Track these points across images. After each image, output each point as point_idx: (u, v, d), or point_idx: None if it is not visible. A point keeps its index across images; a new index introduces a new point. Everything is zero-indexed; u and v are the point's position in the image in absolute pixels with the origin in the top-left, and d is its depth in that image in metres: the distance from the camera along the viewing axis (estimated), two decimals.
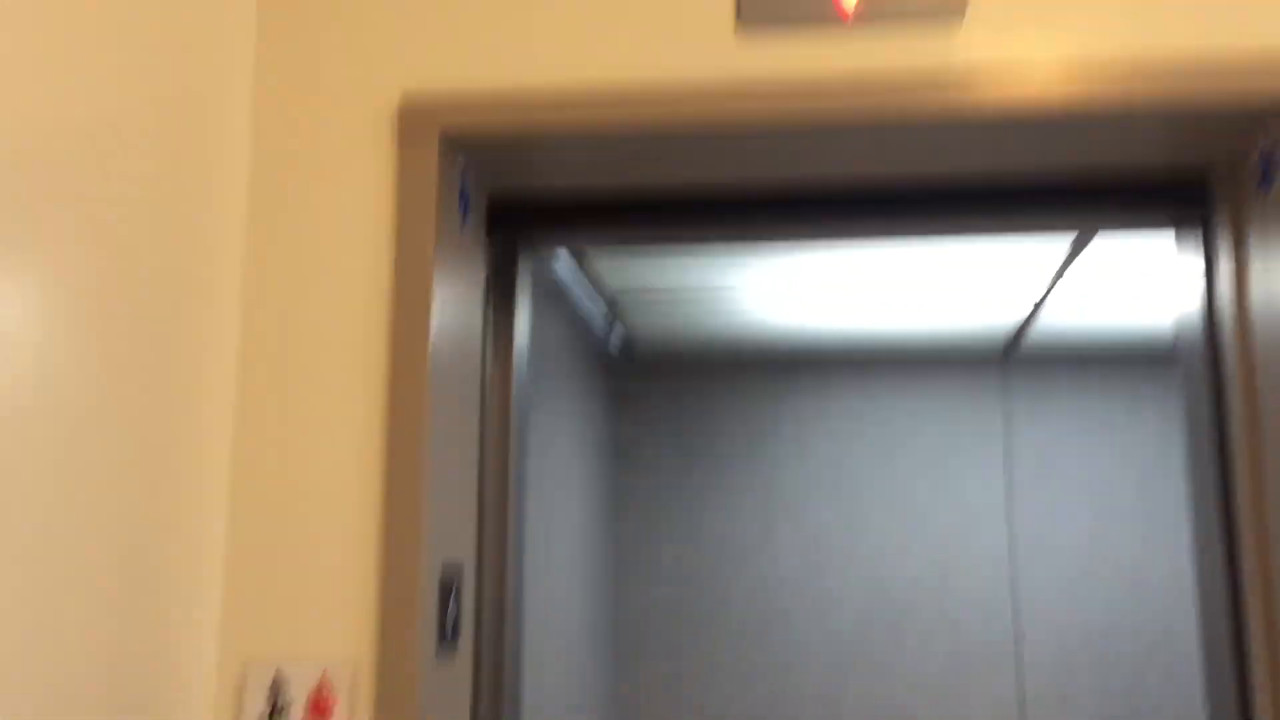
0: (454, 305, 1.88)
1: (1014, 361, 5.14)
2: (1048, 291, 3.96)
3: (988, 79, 1.72)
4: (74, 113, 1.44)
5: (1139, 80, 1.70)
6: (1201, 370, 1.96)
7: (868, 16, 1.76)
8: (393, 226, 1.82)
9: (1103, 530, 5.01)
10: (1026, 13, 1.74)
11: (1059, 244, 3.45)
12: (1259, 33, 1.69)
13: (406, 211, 1.81)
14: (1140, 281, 3.82)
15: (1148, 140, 1.84)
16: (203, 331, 1.73)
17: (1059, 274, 3.71)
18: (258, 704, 1.70)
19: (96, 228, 1.48)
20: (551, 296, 3.80)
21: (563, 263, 3.66)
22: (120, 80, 1.53)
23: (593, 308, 4.22)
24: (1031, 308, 4.22)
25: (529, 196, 2.13)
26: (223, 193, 1.78)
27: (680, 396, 5.27)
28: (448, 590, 1.80)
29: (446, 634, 1.79)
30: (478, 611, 2.07)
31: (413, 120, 1.81)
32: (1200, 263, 1.99)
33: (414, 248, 1.80)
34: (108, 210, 1.50)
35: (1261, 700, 1.75)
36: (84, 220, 1.45)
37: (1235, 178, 1.88)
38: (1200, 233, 2.00)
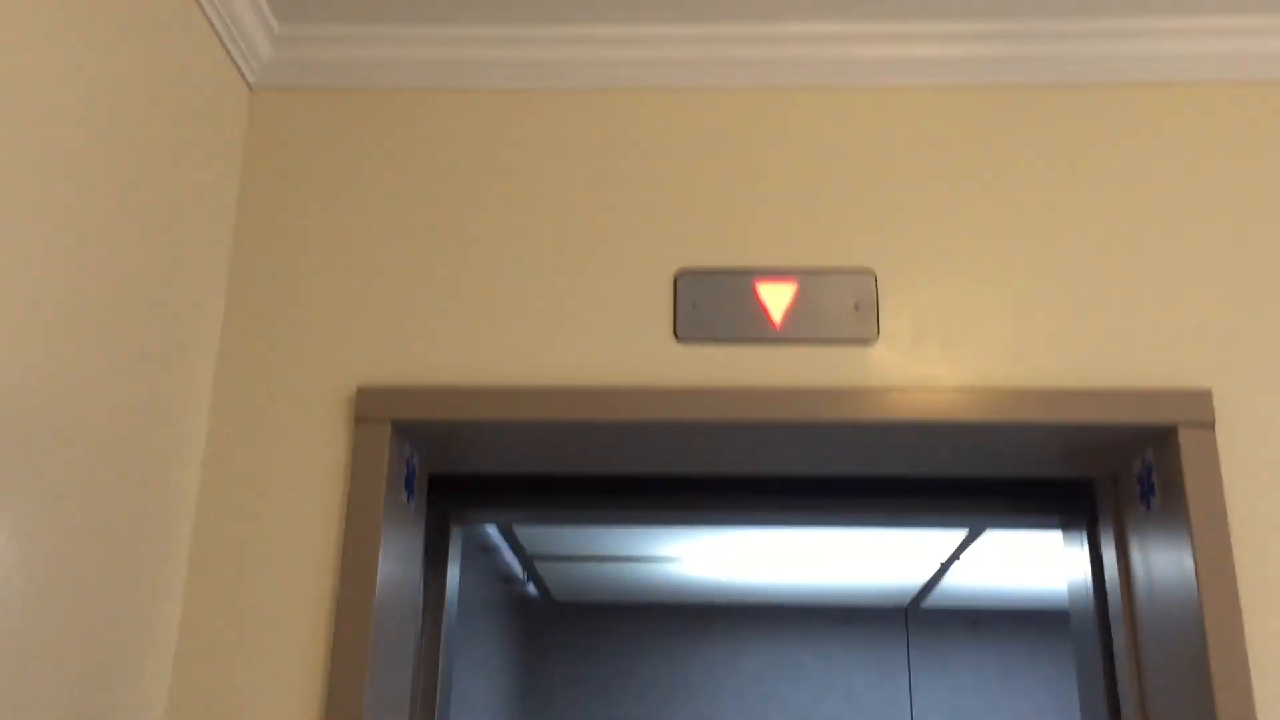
0: (395, 574, 1.96)
1: (918, 617, 5.27)
2: (951, 559, 4.15)
3: (895, 395, 1.91)
4: (48, 385, 1.54)
5: (1030, 405, 1.90)
6: (1092, 641, 2.11)
7: (791, 334, 1.95)
8: (343, 501, 1.91)
9: None
10: (931, 342, 1.94)
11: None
12: (1133, 372, 1.91)
13: (357, 489, 1.91)
14: (1036, 551, 4.02)
15: (1037, 454, 2.03)
16: (149, 593, 1.78)
17: (962, 546, 3.90)
18: None
19: (60, 486, 1.56)
20: (474, 548, 3.88)
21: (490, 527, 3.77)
22: (89, 353, 1.64)
23: (512, 560, 4.29)
24: (935, 569, 4.40)
25: (468, 473, 2.24)
26: (179, 459, 1.87)
27: (594, 646, 5.28)
28: None
29: None
30: None
31: (367, 411, 1.93)
32: (1086, 553, 2.16)
33: (362, 523, 1.89)
34: (73, 470, 1.58)
35: None
36: (50, 479, 1.53)
37: (1117, 491, 2.07)
38: (1085, 530, 2.18)
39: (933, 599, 4.96)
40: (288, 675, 1.83)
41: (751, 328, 1.96)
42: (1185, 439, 1.85)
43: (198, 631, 1.86)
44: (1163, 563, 1.89)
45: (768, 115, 2.08)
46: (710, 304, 1.97)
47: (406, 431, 1.97)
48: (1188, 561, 1.81)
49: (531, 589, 4.76)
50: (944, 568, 4.32)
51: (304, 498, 1.92)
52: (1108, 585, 2.08)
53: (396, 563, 1.97)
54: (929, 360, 1.94)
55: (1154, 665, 1.91)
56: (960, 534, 3.70)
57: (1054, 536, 3.76)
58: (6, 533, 1.44)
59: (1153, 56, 2.06)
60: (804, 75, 2.08)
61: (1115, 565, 2.05)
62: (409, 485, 2.04)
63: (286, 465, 1.93)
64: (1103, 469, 2.09)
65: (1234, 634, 1.75)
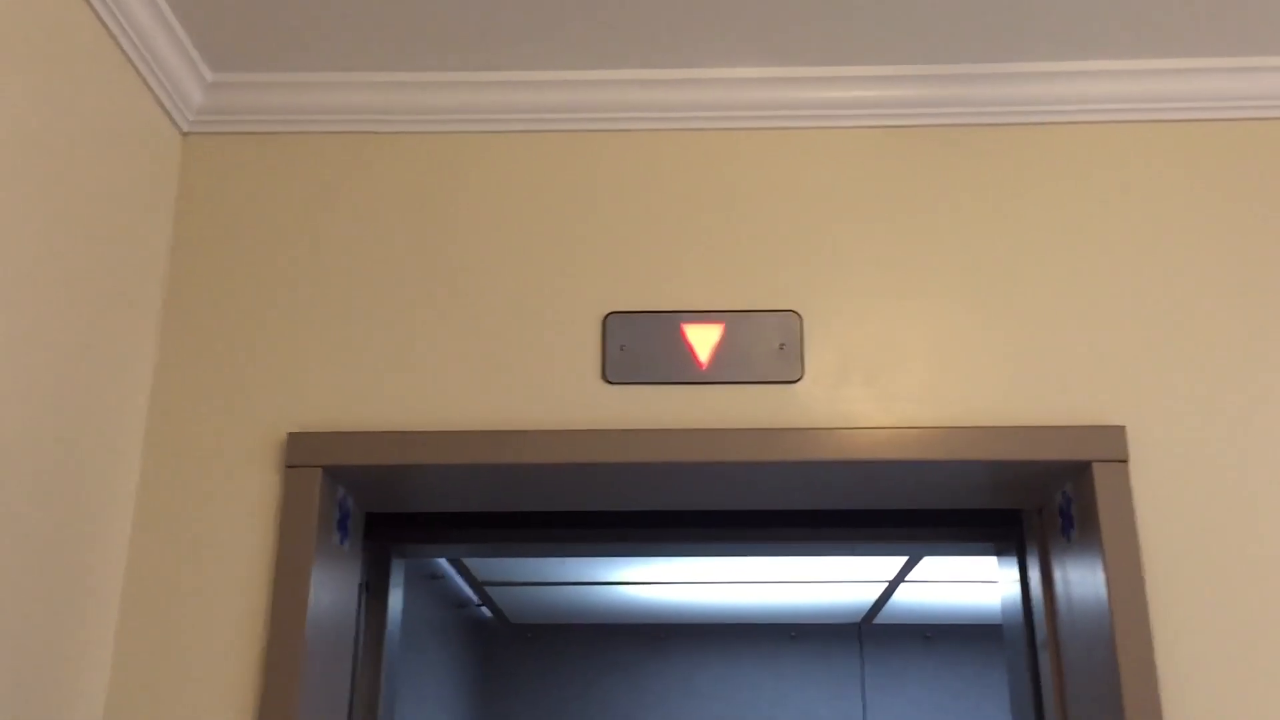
0: (327, 612, 1.97)
1: (872, 633, 5.31)
2: (897, 578, 4.19)
3: (820, 435, 1.94)
4: None
5: (950, 443, 1.94)
6: (1021, 661, 2.17)
7: (717, 375, 1.99)
8: (274, 546, 1.93)
9: None
10: (854, 382, 1.98)
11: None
12: (1051, 409, 1.96)
13: (287, 533, 1.92)
14: (984, 569, 4.07)
15: (961, 489, 2.07)
16: (79, 634, 1.79)
17: (907, 567, 3.94)
18: None
19: None
20: (423, 577, 3.89)
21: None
22: (20, 400, 1.65)
23: (464, 586, 4.31)
24: (884, 589, 4.44)
25: (407, 511, 2.27)
26: (111, 504, 1.88)
27: (550, 667, 5.30)
28: None
29: None
30: None
31: (297, 457, 1.95)
32: (1017, 573, 2.21)
33: (293, 566, 1.91)
34: (3, 519, 1.59)
35: None
36: None
37: (1042, 522, 2.12)
38: (1015, 557, 2.22)
39: (885, 615, 5.01)
40: (221, 708, 1.85)
41: (679, 369, 1.99)
42: (1099, 474, 1.90)
43: (130, 675, 1.87)
44: (1081, 590, 1.94)
45: (695, 158, 2.12)
46: (638, 346, 2.00)
47: (338, 476, 1.99)
48: (1102, 590, 1.86)
49: (486, 612, 4.78)
50: (892, 587, 4.36)
51: (235, 543, 1.93)
52: (1034, 610, 2.14)
53: (329, 602, 1.99)
54: (853, 400, 1.98)
55: (1075, 684, 1.97)
56: (902, 558, 3.76)
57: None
58: None
59: (1072, 98, 2.11)
60: (730, 119, 2.12)
61: (1040, 592, 2.10)
62: (342, 527, 2.06)
63: (218, 510, 1.95)
64: (1028, 501, 2.13)
65: (1145, 657, 1.81)
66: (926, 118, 2.12)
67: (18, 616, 1.63)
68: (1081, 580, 1.95)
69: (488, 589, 4.39)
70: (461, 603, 4.49)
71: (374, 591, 2.34)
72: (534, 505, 2.19)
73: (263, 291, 2.06)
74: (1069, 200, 2.07)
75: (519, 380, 1.99)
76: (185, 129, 2.14)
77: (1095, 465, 1.90)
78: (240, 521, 1.94)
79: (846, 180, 2.10)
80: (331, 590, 2.00)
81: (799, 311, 2.02)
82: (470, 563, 3.99)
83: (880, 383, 1.98)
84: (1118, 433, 1.92)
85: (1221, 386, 1.96)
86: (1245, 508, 1.90)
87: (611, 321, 2.02)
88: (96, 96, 1.86)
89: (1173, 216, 2.05)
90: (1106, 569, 1.85)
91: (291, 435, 1.96)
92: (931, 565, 3.96)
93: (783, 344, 2.00)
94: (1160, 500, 1.90)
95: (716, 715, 5.24)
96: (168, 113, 2.08)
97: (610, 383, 1.99)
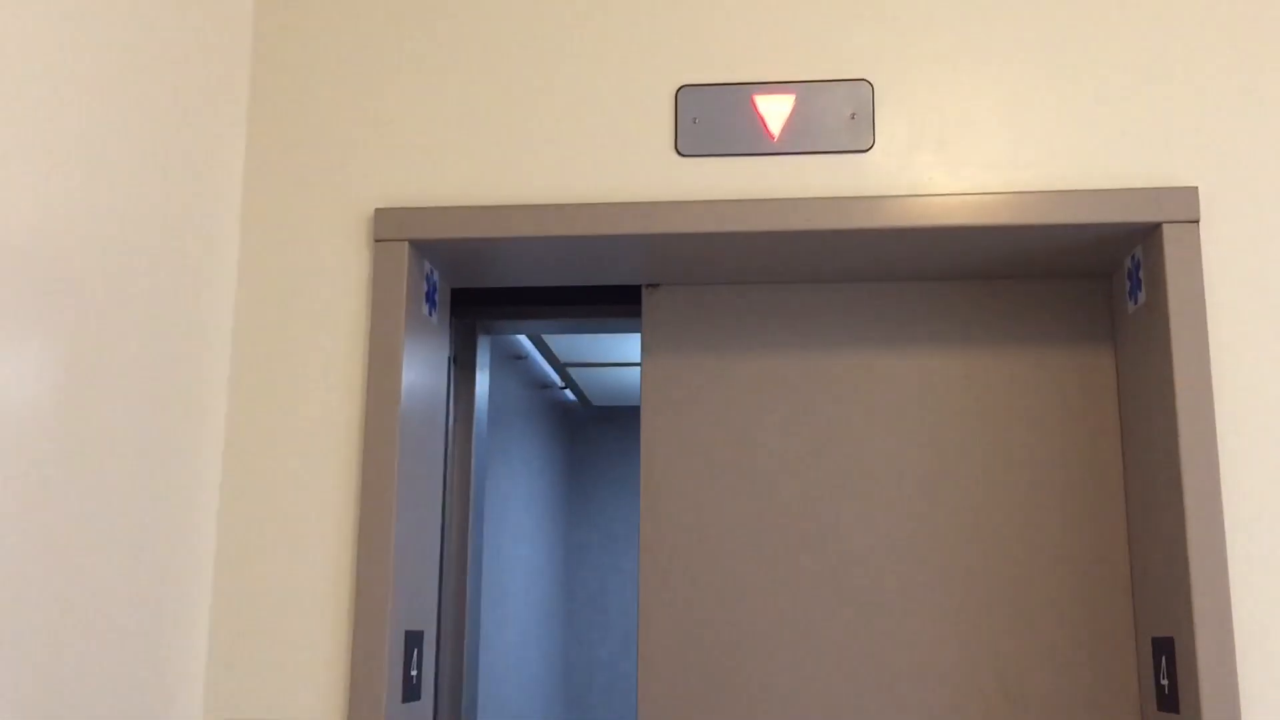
0: (420, 381, 2.10)
1: None
2: None
3: (891, 202, 1.97)
4: (86, 214, 1.66)
5: (1024, 207, 1.95)
6: None
7: (789, 145, 2.01)
8: (366, 318, 2.04)
9: None
10: (925, 149, 1.99)
11: None
12: (1122, 171, 1.95)
13: (378, 307, 2.03)
14: None
15: (1041, 253, 2.09)
16: (192, 408, 1.94)
17: None
18: None
19: (103, 308, 1.69)
20: (512, 359, 4.03)
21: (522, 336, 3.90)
22: (124, 184, 1.75)
23: (547, 368, 4.45)
24: None
25: (491, 286, 2.36)
26: (213, 283, 2.00)
27: (630, 448, 5.49)
28: (410, 654, 2.01)
29: (409, 693, 2.01)
30: (437, 671, 2.28)
31: (384, 231, 2.04)
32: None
33: (385, 336, 2.02)
34: (114, 294, 1.72)
35: None
36: (93, 300, 1.67)
37: (1111, 286, 2.14)
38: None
39: None
40: (326, 472, 2.00)
41: (750, 140, 2.02)
42: (1169, 235, 1.91)
43: (240, 448, 2.02)
44: (1145, 355, 1.98)
45: None
46: (710, 118, 2.03)
47: (424, 249, 2.08)
48: (1166, 355, 1.89)
49: (569, 394, 4.94)
50: None
51: (330, 316, 2.04)
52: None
53: (421, 371, 2.11)
54: (924, 167, 1.99)
55: (1134, 453, 2.02)
56: None
57: None
58: (52, 357, 1.58)
59: None
60: None
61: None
62: (430, 299, 2.16)
63: (313, 285, 2.06)
64: (1099, 266, 2.15)
65: (1206, 419, 1.86)
66: None
67: (132, 397, 1.77)
68: (1145, 345, 1.98)
69: (570, 370, 4.52)
70: (545, 384, 4.65)
71: (462, 365, 2.47)
72: (610, 279, 2.26)
73: (346, 69, 2.11)
74: None
75: (595, 153, 2.04)
76: None
77: (1165, 226, 1.91)
78: (334, 295, 2.05)
79: None
80: (423, 361, 2.12)
81: (870, 80, 2.02)
82: (553, 343, 4.11)
83: (951, 149, 1.99)
84: (1190, 194, 1.92)
85: None
86: None
87: (684, 94, 2.04)
88: None
89: None
90: (1171, 332, 1.88)
91: (379, 211, 2.04)
92: None
93: (854, 113, 2.01)
94: (1231, 264, 1.91)
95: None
96: None
97: (683, 155, 2.02)
